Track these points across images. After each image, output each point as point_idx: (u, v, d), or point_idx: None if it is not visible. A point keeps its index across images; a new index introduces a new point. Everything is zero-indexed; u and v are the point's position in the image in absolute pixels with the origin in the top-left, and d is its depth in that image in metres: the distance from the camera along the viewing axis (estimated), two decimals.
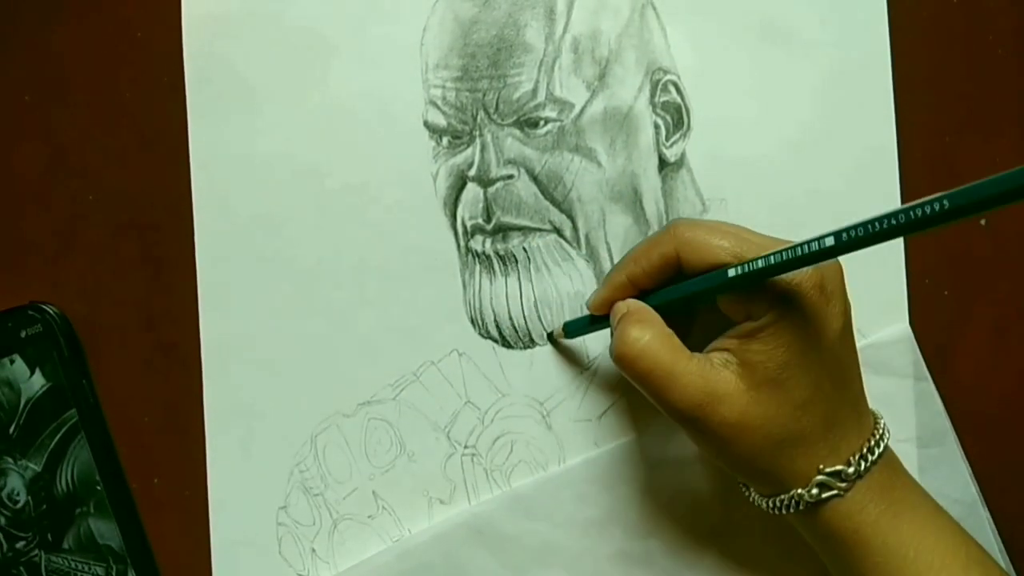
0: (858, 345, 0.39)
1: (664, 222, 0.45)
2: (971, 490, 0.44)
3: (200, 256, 0.46)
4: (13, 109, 0.47)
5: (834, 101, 0.44)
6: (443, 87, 0.45)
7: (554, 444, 0.45)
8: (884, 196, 0.44)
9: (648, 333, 0.37)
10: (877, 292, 0.44)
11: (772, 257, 0.34)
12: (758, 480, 0.38)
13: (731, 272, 0.35)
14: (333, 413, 0.45)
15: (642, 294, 0.39)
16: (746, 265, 0.35)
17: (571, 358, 0.45)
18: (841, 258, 0.43)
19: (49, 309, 0.46)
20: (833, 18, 0.44)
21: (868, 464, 0.37)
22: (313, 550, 0.45)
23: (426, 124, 0.45)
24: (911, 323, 0.44)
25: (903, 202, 0.44)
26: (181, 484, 0.46)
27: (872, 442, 0.37)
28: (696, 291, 0.37)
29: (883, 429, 0.38)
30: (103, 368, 0.46)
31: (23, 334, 0.45)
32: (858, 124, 0.44)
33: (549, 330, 0.45)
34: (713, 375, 0.36)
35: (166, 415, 0.46)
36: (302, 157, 0.45)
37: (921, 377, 0.44)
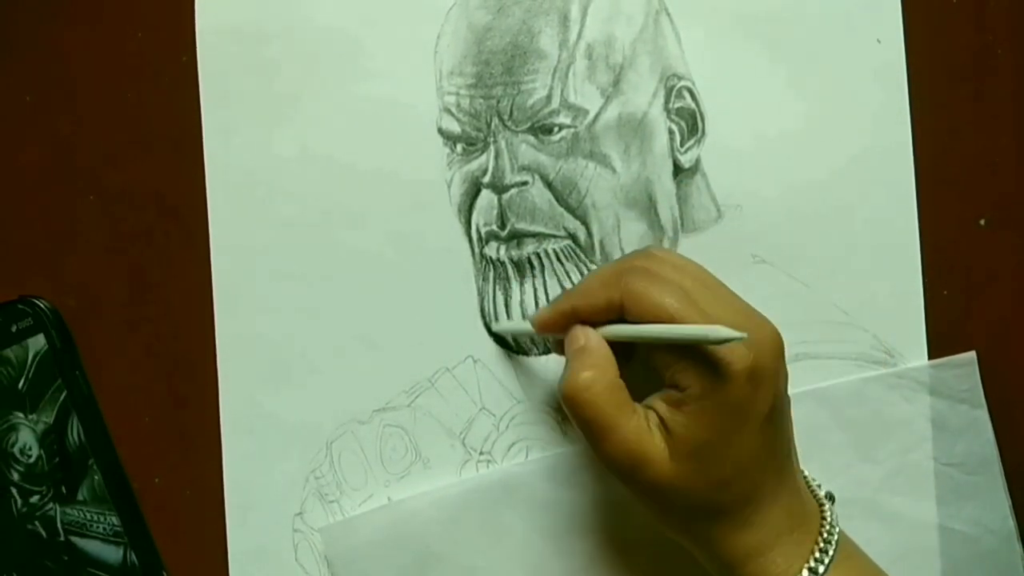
0: (922, 365, 0.42)
1: (679, 228, 0.45)
2: (1009, 523, 0.43)
3: (215, 263, 0.46)
4: (14, 109, 0.47)
5: (848, 106, 0.44)
6: (457, 94, 0.45)
7: (570, 450, 0.45)
8: (899, 199, 0.44)
9: (600, 382, 0.36)
10: (894, 296, 0.44)
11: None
12: (691, 548, 0.38)
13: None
14: (348, 420, 0.45)
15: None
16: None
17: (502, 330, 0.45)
18: (854, 266, 0.43)
19: (40, 303, 0.46)
20: (847, 23, 0.44)
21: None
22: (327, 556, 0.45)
23: (440, 131, 0.45)
24: None
25: (918, 206, 0.44)
26: (182, 484, 0.46)
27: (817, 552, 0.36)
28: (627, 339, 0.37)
29: (828, 532, 0.37)
30: (103, 368, 0.46)
31: (13, 328, 0.45)
32: (873, 127, 0.44)
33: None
34: (647, 438, 0.36)
35: (166, 415, 0.46)
36: (315, 166, 0.46)
37: (977, 404, 0.43)
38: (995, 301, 0.44)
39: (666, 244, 0.45)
